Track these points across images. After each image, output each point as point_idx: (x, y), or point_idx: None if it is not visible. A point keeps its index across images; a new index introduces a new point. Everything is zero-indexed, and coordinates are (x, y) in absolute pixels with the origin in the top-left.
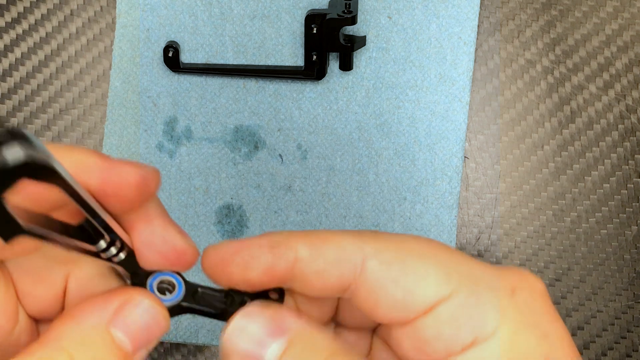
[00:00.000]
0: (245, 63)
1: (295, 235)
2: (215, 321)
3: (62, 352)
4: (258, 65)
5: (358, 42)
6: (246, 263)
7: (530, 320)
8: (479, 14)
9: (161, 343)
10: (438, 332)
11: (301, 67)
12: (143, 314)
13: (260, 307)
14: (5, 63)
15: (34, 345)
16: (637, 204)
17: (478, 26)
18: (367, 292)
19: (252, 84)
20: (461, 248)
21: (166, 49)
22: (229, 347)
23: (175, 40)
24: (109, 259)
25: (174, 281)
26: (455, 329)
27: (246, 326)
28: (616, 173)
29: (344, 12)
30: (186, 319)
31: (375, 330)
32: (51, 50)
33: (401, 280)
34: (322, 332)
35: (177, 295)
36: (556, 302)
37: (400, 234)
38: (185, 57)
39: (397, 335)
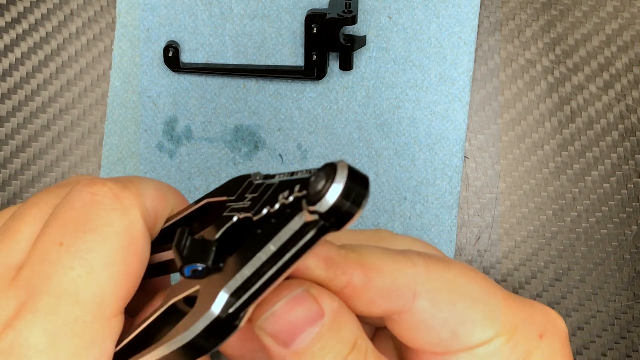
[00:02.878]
0: (245, 63)
1: (351, 259)
2: None
3: None
4: (258, 65)
5: (358, 41)
6: (299, 271)
7: None
8: (479, 14)
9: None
10: None
11: (301, 67)
12: None
13: (307, 286)
14: (5, 63)
15: None
16: (637, 203)
17: (478, 26)
18: (412, 326)
19: (252, 83)
20: (461, 248)
21: (166, 49)
22: (262, 324)
23: (175, 40)
24: None
25: None
26: None
27: (292, 313)
28: (616, 173)
29: (344, 11)
30: None
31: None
32: (51, 50)
33: (450, 323)
34: (351, 316)
35: None
36: (556, 302)
37: (448, 260)
38: (185, 57)
39: (419, 354)
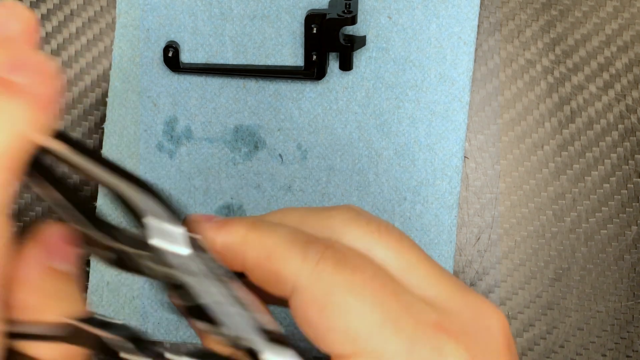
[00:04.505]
0: (245, 63)
1: (248, 236)
2: None
3: None
4: (258, 65)
5: (358, 42)
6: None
7: None
8: (479, 14)
9: (161, 342)
10: None
11: (301, 67)
12: None
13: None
14: None
15: None
16: (637, 204)
17: (478, 26)
18: (293, 314)
19: (252, 84)
20: (461, 248)
21: (166, 49)
22: None
23: (175, 40)
24: None
25: None
26: None
27: None
28: (616, 173)
29: (343, 12)
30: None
31: None
32: (51, 50)
33: (315, 325)
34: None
35: None
36: (556, 302)
37: (346, 267)
38: (185, 57)
39: None
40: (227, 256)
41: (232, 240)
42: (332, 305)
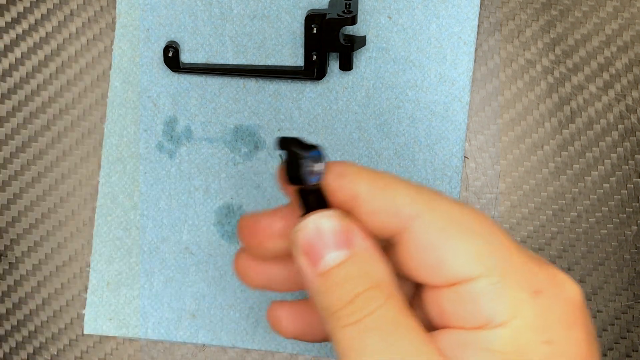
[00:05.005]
0: (245, 63)
1: (361, 172)
2: (215, 321)
3: None
4: (258, 65)
5: (358, 42)
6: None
7: (542, 324)
8: (479, 14)
9: (161, 342)
10: (454, 308)
11: (301, 67)
12: None
13: (339, 215)
14: (5, 63)
15: None
16: (637, 204)
17: (478, 26)
18: (407, 249)
19: (252, 84)
20: None
21: (166, 49)
22: (296, 237)
23: (175, 40)
24: None
25: None
26: (468, 310)
27: (320, 225)
28: (616, 173)
29: (343, 12)
30: (186, 318)
31: None
32: (51, 50)
33: (437, 249)
34: (381, 260)
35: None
36: None
37: (460, 202)
38: (185, 57)
39: (425, 291)
40: (340, 187)
41: (348, 172)
42: (455, 228)
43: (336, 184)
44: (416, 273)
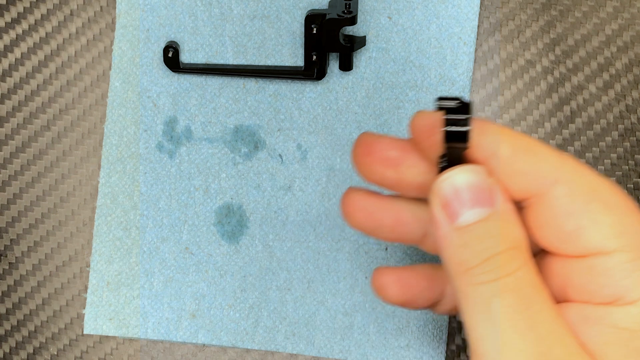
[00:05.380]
0: (245, 63)
1: (503, 131)
2: (215, 321)
3: None
4: (258, 66)
5: (358, 42)
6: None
7: None
8: (479, 14)
9: (161, 342)
10: (582, 280)
11: (301, 67)
12: None
13: (484, 172)
14: (5, 63)
15: None
16: (637, 203)
17: (478, 26)
18: (543, 213)
19: (252, 84)
20: None
21: (166, 49)
22: (438, 188)
23: (175, 40)
24: None
25: None
26: (599, 284)
27: (462, 179)
28: (616, 173)
29: (343, 12)
30: (186, 318)
31: None
32: (51, 50)
33: (577, 217)
34: (519, 223)
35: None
36: None
37: (601, 175)
38: (185, 57)
39: (550, 261)
40: (480, 145)
41: (490, 130)
42: (599, 199)
43: (477, 140)
44: (546, 240)
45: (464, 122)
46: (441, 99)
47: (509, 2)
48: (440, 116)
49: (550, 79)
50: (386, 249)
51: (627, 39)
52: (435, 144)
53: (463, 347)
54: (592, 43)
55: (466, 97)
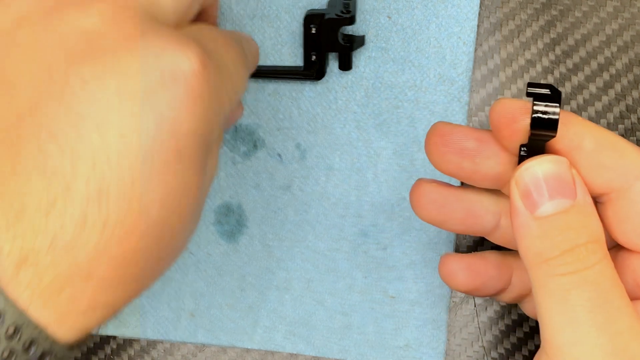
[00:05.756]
0: None
1: (587, 124)
2: (214, 320)
3: None
4: (257, 65)
5: (357, 41)
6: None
7: None
8: (479, 14)
9: (161, 342)
10: None
11: (300, 67)
12: None
13: (567, 163)
14: None
15: None
16: None
17: (478, 26)
18: (623, 209)
19: (251, 83)
20: (460, 247)
21: None
22: (520, 176)
23: None
24: None
25: None
26: None
27: (545, 169)
28: None
29: (342, 12)
30: (185, 318)
31: None
32: None
33: None
34: (597, 218)
35: None
36: None
37: None
38: None
39: (626, 257)
40: (564, 136)
41: (574, 122)
42: None
43: (561, 132)
44: (625, 236)
45: (554, 110)
46: (532, 85)
47: (509, 2)
48: (528, 103)
49: (550, 79)
50: (385, 248)
51: (628, 39)
52: (517, 132)
53: (463, 347)
54: (592, 43)
55: (556, 86)
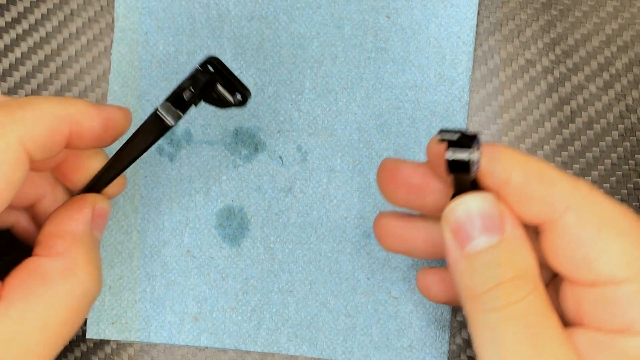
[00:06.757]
0: (244, 64)
1: (515, 157)
2: (217, 323)
3: (72, 261)
4: (257, 67)
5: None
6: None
7: None
8: (479, 14)
9: (161, 343)
10: (594, 308)
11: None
12: (103, 206)
13: (493, 199)
14: (5, 63)
15: (42, 250)
16: (637, 204)
17: (478, 26)
18: (554, 240)
19: (250, 85)
20: None
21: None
22: (447, 215)
23: (173, 43)
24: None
25: None
26: (609, 313)
27: (472, 207)
28: (616, 173)
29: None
30: (188, 322)
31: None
32: (51, 50)
33: (587, 246)
34: (529, 248)
35: None
36: None
37: (615, 201)
38: (184, 60)
39: (566, 286)
40: (492, 171)
41: (502, 155)
42: (609, 227)
43: (489, 167)
44: (559, 266)
45: (463, 156)
46: (442, 131)
47: (509, 2)
48: (443, 148)
49: (550, 78)
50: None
51: (627, 39)
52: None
53: (464, 347)
54: (592, 43)
55: (469, 128)
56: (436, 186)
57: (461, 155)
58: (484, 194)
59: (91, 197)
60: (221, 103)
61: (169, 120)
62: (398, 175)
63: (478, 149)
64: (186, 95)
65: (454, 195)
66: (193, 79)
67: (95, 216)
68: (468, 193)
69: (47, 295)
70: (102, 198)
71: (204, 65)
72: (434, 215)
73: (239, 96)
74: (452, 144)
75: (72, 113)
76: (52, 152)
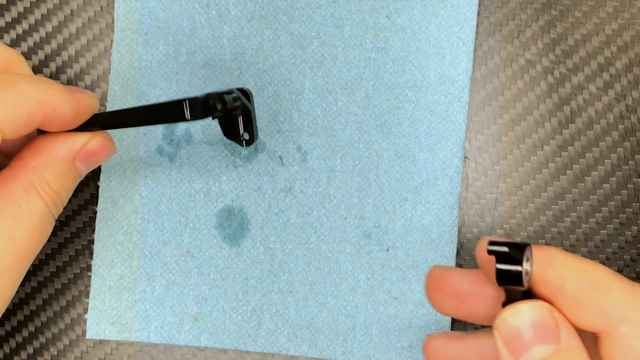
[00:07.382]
0: (244, 64)
1: (569, 262)
2: (217, 324)
3: (40, 178)
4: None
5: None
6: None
7: None
8: (479, 14)
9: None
10: None
11: None
12: (97, 145)
13: (547, 307)
14: None
15: (11, 170)
16: (637, 204)
17: (478, 26)
18: (612, 349)
19: (250, 86)
20: (461, 248)
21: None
22: (499, 325)
23: (173, 43)
24: None
25: None
26: None
27: (526, 317)
28: (616, 173)
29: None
30: (188, 322)
31: None
32: (51, 50)
33: None
34: (586, 357)
35: None
36: None
37: None
38: (184, 60)
39: None
40: (545, 277)
41: (555, 261)
42: None
43: (542, 273)
44: None
45: (515, 269)
46: (492, 243)
47: (509, 2)
48: (493, 260)
49: (550, 79)
50: (387, 249)
51: (627, 39)
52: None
53: None
54: (592, 43)
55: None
56: (487, 294)
57: (512, 267)
58: (538, 302)
59: (88, 133)
60: (229, 131)
61: (187, 113)
62: (446, 283)
63: (529, 258)
64: (214, 106)
65: (506, 303)
66: (226, 97)
67: (86, 151)
68: (520, 301)
69: (12, 209)
70: (101, 138)
71: (242, 91)
72: (484, 326)
73: (246, 135)
74: (501, 257)
75: (50, 98)
76: (22, 134)
